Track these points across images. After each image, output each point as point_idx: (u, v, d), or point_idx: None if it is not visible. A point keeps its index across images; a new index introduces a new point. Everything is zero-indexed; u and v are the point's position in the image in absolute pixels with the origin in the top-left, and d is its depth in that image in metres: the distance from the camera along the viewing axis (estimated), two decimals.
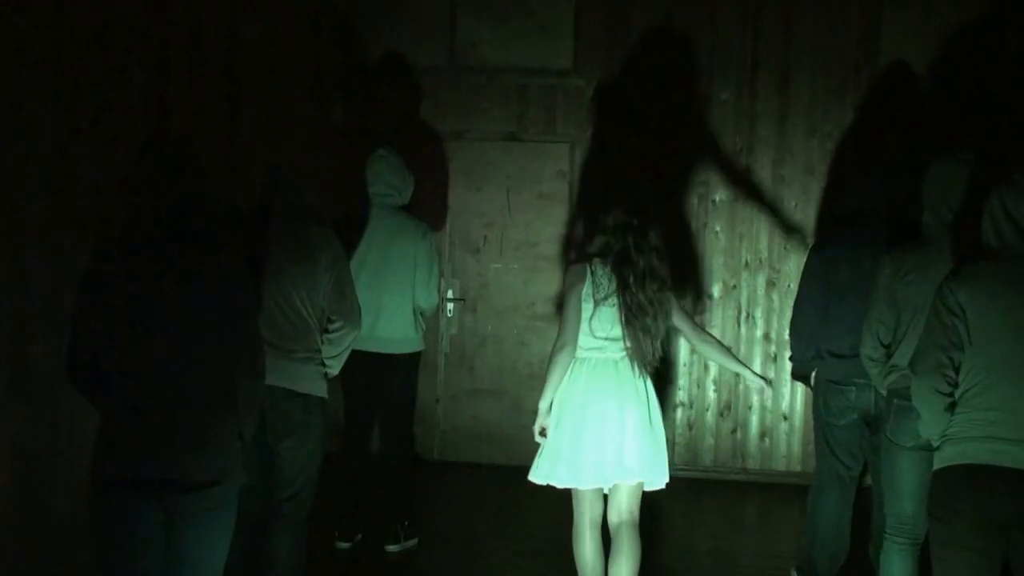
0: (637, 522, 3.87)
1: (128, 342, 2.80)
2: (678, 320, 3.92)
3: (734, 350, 6.31)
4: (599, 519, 3.89)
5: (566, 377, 3.79)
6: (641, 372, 3.80)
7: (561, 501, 4.80)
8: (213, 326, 2.85)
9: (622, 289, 3.74)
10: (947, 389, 2.89)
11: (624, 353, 3.79)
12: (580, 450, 3.74)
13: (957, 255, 3.38)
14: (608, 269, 3.78)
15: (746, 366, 4.27)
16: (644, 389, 3.81)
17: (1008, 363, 2.79)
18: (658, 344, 3.80)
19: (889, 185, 4.29)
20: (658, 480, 3.87)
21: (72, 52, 3.69)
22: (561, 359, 3.75)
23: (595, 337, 3.78)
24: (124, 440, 2.81)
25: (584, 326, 3.77)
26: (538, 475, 3.85)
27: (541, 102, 6.38)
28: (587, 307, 3.76)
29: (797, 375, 4.49)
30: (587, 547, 3.84)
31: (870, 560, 4.29)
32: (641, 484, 3.85)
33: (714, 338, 4.36)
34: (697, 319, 6.31)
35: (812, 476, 4.41)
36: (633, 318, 3.73)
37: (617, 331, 3.76)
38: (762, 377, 4.16)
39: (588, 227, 6.29)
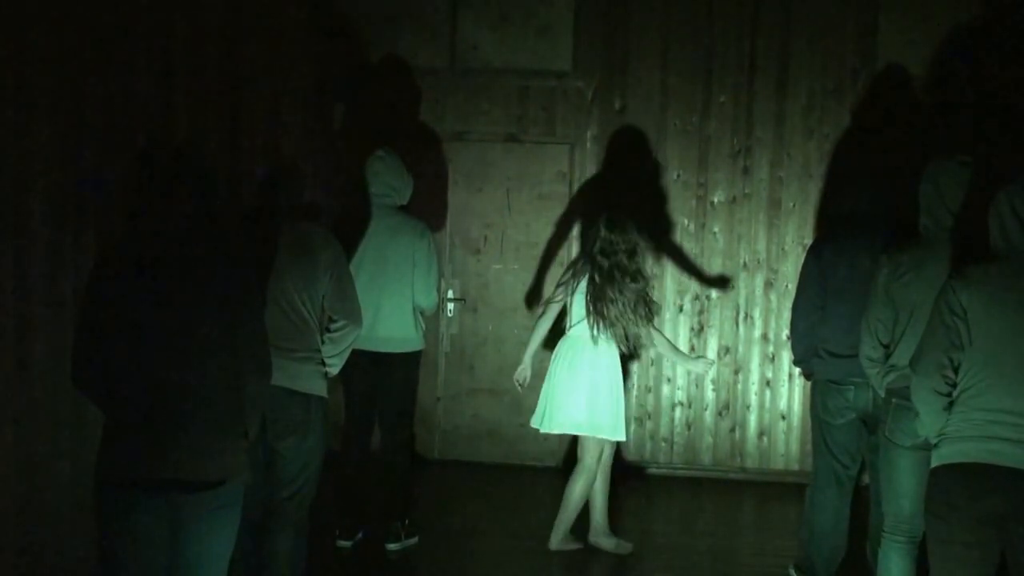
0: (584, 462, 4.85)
1: (134, 345, 2.81)
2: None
3: (732, 350, 6.35)
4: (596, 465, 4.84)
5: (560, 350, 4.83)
6: (609, 347, 4.72)
7: (560, 500, 4.83)
8: (219, 326, 2.86)
9: (589, 283, 4.67)
10: (946, 390, 2.91)
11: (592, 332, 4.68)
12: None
13: (955, 257, 3.40)
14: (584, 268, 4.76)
15: (687, 357, 5.28)
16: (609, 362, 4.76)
17: (1008, 365, 2.81)
18: (623, 328, 4.69)
19: (887, 186, 4.31)
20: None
21: (76, 55, 3.71)
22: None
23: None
24: (130, 440, 2.82)
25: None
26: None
27: (541, 103, 6.40)
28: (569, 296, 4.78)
29: (807, 375, 4.48)
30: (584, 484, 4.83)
31: (867, 558, 4.32)
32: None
33: (664, 337, 5.06)
34: (696, 319, 6.36)
35: (810, 475, 4.43)
36: (598, 306, 4.64)
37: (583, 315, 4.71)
38: (700, 357, 5.35)
39: (586, 228, 6.33)
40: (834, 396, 4.16)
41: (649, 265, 4.90)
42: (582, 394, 4.70)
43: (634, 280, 4.64)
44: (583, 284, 4.69)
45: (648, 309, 4.72)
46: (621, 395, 4.80)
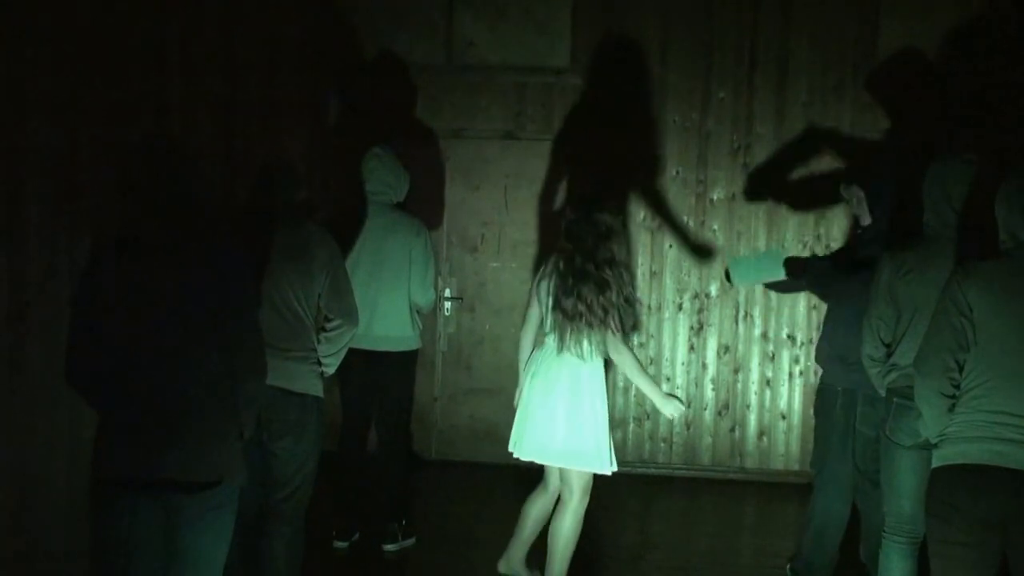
0: (571, 500, 4.13)
1: (127, 344, 2.79)
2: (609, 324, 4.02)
3: (732, 349, 6.31)
4: (558, 490, 4.25)
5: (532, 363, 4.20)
6: (593, 361, 4.04)
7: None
8: (213, 325, 2.84)
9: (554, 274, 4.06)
10: (951, 391, 2.89)
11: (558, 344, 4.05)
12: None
13: (960, 255, 3.37)
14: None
15: (657, 391, 4.16)
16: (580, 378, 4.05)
17: (1014, 365, 2.79)
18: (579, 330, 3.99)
19: (889, 184, 4.28)
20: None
21: (71, 51, 3.69)
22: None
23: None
24: (124, 440, 2.80)
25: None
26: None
27: (538, 100, 6.37)
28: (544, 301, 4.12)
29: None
30: (537, 504, 4.33)
31: (861, 560, 4.29)
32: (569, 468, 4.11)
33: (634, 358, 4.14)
34: (695, 318, 6.33)
35: (810, 475, 4.40)
36: (563, 316, 4.00)
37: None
38: (671, 396, 4.17)
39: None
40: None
41: (624, 252, 4.04)
42: (560, 418, 4.02)
43: (600, 268, 3.93)
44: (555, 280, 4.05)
45: (619, 318, 3.98)
46: (606, 419, 4.08)
